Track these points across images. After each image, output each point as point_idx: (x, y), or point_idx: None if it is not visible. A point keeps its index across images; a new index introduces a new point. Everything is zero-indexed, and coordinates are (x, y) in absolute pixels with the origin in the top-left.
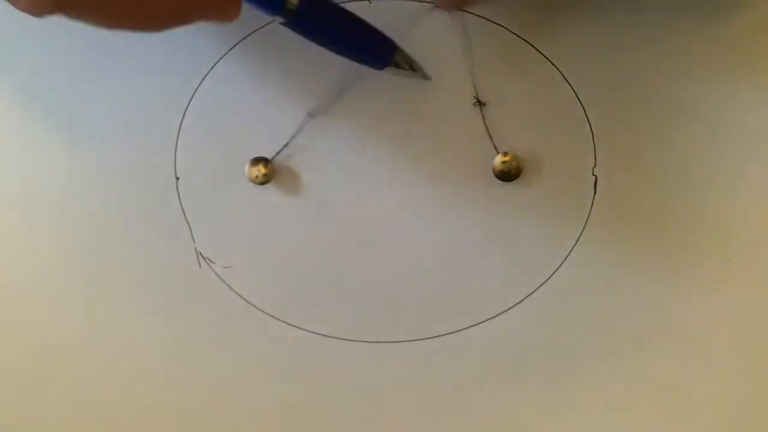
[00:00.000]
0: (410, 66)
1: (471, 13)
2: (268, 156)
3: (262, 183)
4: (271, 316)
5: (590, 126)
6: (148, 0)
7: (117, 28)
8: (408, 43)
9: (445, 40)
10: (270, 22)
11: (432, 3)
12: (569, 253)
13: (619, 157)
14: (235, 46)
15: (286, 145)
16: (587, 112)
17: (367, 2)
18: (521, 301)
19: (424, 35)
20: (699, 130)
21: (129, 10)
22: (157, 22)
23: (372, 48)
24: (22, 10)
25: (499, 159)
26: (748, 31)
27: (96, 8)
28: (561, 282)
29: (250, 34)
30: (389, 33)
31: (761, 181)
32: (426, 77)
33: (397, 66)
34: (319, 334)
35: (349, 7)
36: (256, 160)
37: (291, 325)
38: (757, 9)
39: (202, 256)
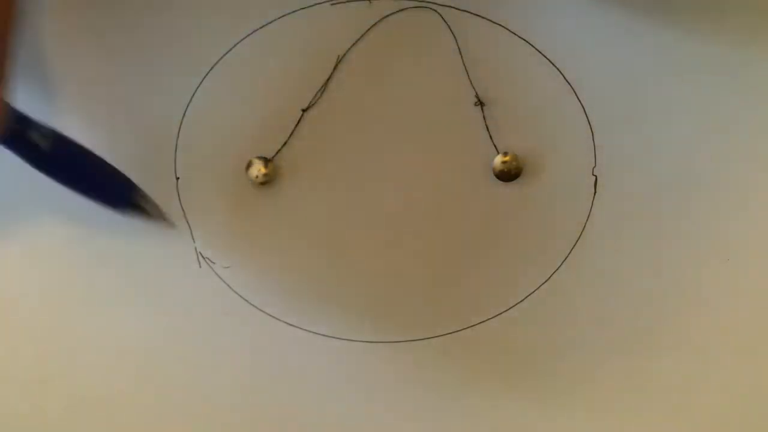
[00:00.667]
0: (151, 209)
1: (471, 12)
2: (269, 156)
3: (263, 183)
4: (271, 316)
5: (590, 126)
6: None
7: None
8: (408, 43)
9: (445, 41)
10: (270, 23)
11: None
12: (569, 253)
13: (619, 157)
14: (235, 46)
15: (285, 144)
16: (587, 112)
17: (367, 2)
18: (521, 301)
19: (424, 35)
20: (699, 130)
21: None
22: None
23: (112, 186)
24: None
25: (499, 159)
26: (749, 31)
27: None
28: (561, 282)
29: (250, 34)
30: (388, 32)
31: (761, 181)
32: (169, 224)
33: (138, 207)
34: (319, 334)
35: (348, 7)
36: (257, 160)
37: (291, 325)
38: (757, 9)
39: (203, 256)
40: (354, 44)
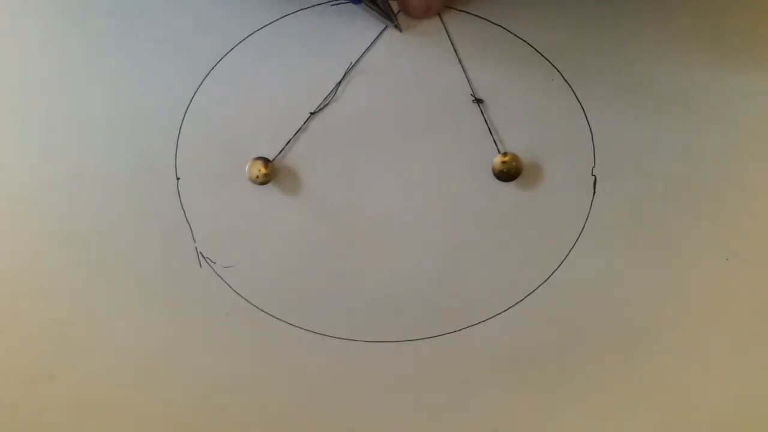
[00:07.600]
0: (384, 8)
1: (471, 13)
2: (269, 156)
3: (263, 183)
4: (271, 315)
5: (590, 126)
6: None
7: None
8: (409, 43)
9: (444, 41)
10: (270, 23)
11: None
12: (569, 252)
13: (619, 157)
14: (235, 46)
15: (287, 144)
16: (587, 112)
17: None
18: (521, 300)
19: (424, 35)
20: (698, 131)
21: None
22: None
23: None
24: None
25: (498, 159)
26: (748, 31)
27: None
28: (560, 282)
29: (250, 34)
30: (389, 31)
31: (761, 181)
32: (397, 27)
33: (372, 2)
34: (319, 333)
35: (349, 7)
36: (257, 160)
37: (291, 324)
38: (758, 9)
39: (203, 256)
40: (366, 51)
